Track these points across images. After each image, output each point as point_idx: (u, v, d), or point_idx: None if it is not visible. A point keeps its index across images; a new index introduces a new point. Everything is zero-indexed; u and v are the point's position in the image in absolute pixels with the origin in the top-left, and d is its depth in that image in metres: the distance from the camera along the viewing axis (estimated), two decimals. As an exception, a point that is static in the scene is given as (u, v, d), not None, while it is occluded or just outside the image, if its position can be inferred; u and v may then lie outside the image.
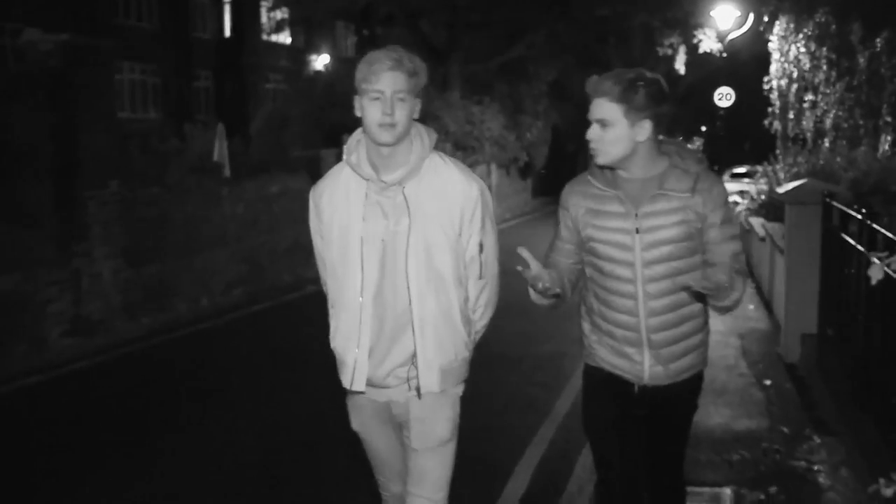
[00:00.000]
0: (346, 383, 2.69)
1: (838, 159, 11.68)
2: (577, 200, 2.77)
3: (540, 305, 2.77)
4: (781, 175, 12.24)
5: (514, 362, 6.89)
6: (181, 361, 7.63)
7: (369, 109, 2.50)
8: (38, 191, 8.13)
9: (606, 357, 2.80)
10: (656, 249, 2.63)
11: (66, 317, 8.25)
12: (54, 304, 8.12)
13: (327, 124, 17.62)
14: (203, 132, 12.88)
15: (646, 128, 2.58)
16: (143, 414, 5.95)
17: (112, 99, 9.04)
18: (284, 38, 32.57)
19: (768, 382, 5.98)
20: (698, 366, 2.83)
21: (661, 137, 2.70)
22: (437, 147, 2.70)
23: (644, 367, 2.73)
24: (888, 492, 2.19)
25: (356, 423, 2.82)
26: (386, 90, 2.47)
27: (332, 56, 32.29)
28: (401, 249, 2.57)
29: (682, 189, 2.62)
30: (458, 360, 2.68)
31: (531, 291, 2.68)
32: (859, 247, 4.50)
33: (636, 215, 2.63)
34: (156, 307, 9.38)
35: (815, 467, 4.35)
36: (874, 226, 4.29)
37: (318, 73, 29.95)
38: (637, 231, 2.63)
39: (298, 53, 32.84)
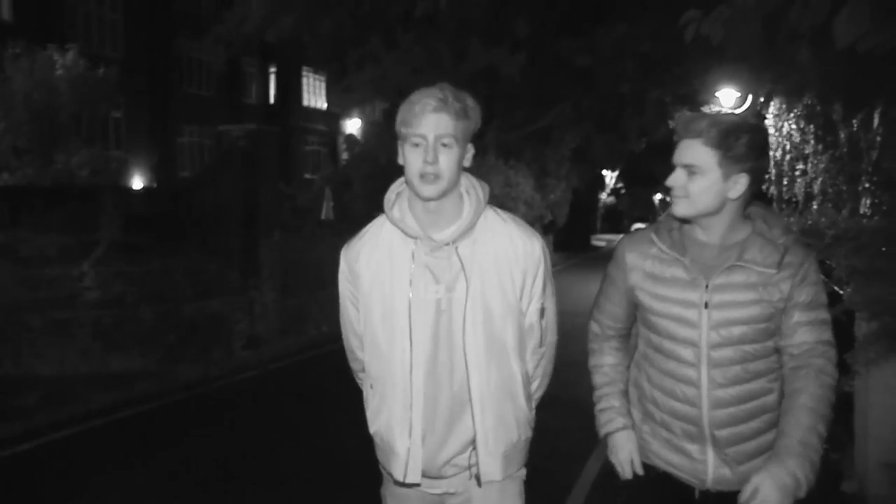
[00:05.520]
0: (398, 476, 2.29)
1: (823, 219, 14.28)
2: (636, 261, 2.38)
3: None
4: (777, 232, 14.86)
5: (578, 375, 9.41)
6: (317, 374, 9.68)
7: (410, 157, 2.19)
8: (234, 235, 10.94)
9: (660, 452, 2.41)
10: (726, 329, 2.24)
11: (244, 334, 10.97)
12: (238, 324, 10.85)
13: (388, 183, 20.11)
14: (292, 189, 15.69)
15: (741, 183, 2.19)
16: (308, 414, 7.65)
17: (276, 168, 11.92)
18: (321, 103, 35.61)
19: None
20: None
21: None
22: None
23: (707, 467, 2.32)
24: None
25: None
26: (428, 134, 2.15)
27: (362, 120, 34.76)
28: (457, 318, 2.23)
29: (765, 263, 2.22)
30: (521, 441, 2.35)
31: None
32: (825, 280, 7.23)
33: (707, 287, 2.25)
34: (296, 331, 12.07)
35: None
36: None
37: (350, 136, 32.52)
38: (706, 306, 2.25)
39: (332, 118, 35.80)
